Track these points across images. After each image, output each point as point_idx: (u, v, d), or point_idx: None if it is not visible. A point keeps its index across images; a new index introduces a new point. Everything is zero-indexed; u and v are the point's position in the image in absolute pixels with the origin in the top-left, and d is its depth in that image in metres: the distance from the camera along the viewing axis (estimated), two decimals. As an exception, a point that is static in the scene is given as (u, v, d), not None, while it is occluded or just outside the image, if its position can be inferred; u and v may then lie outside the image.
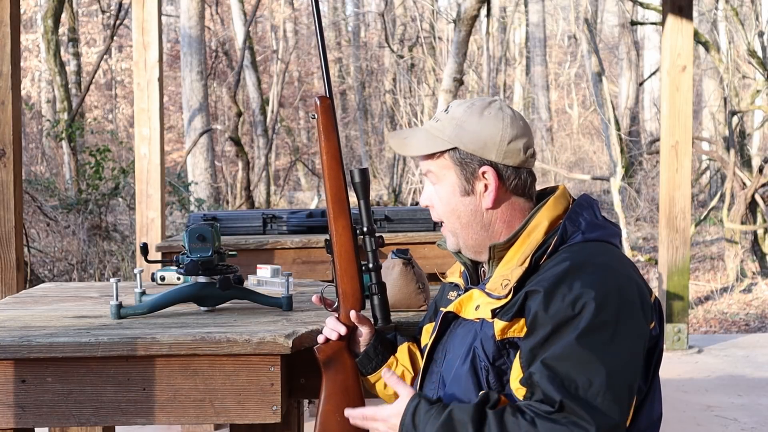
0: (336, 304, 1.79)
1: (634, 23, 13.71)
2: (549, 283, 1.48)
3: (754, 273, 8.86)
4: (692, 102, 5.79)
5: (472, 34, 10.85)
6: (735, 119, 9.57)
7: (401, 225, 4.03)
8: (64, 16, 11.15)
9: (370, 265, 1.76)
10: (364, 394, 1.79)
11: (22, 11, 7.53)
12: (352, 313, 1.75)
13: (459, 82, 9.16)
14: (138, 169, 5.19)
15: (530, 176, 1.64)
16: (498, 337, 1.52)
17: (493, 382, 1.53)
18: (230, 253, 2.18)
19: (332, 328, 1.76)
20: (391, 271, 2.08)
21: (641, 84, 14.97)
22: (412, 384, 1.76)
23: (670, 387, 4.60)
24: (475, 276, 1.70)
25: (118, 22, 10.83)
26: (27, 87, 15.43)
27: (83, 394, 1.80)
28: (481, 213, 1.63)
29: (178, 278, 2.49)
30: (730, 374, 5.04)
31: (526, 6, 17.44)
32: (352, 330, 1.77)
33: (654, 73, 12.78)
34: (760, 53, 10.34)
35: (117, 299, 2.02)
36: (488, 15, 13.08)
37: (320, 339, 1.77)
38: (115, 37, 11.85)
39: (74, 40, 11.87)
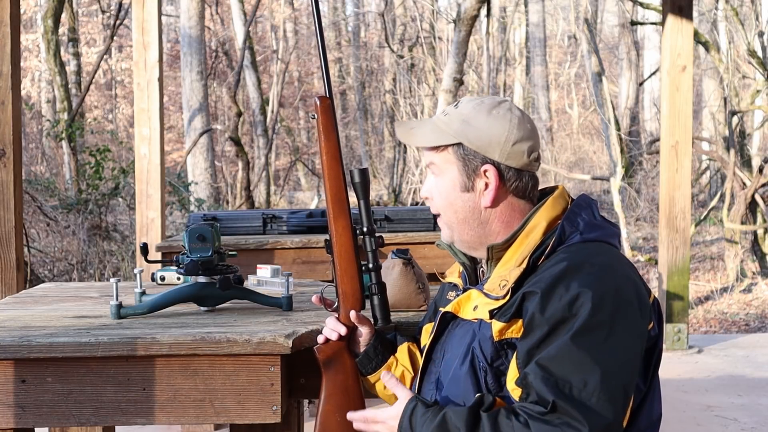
0: (336, 304, 1.79)
1: (634, 23, 13.71)
2: (546, 284, 1.48)
3: (754, 273, 8.86)
4: (692, 102, 5.79)
5: (472, 34, 10.85)
6: (735, 119, 9.57)
7: (401, 225, 4.03)
8: (64, 16, 11.15)
9: (370, 265, 1.76)
10: (364, 394, 1.79)
11: (22, 11, 7.54)
12: (352, 313, 1.75)
13: (459, 82, 9.16)
14: (138, 169, 5.19)
15: (532, 180, 1.63)
16: (496, 338, 1.52)
17: (491, 383, 1.54)
18: (230, 253, 2.18)
19: (332, 329, 1.76)
20: (391, 271, 2.08)
21: (641, 84, 14.97)
22: (412, 384, 1.76)
23: (670, 387, 4.60)
24: (473, 276, 1.70)
25: (118, 22, 10.83)
26: (27, 87, 15.43)
27: (83, 394, 1.80)
28: (479, 210, 1.63)
29: (178, 278, 2.49)
30: (730, 374, 5.04)
31: (526, 6, 17.44)
32: (352, 330, 1.77)
33: (654, 73, 12.78)
34: (760, 53, 10.34)
35: (117, 299, 2.02)
36: (488, 15, 13.08)
37: (320, 339, 1.77)
38: (115, 37, 11.85)
39: (74, 40, 11.87)
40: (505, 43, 16.94)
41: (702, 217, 10.38)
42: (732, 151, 9.00)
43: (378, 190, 14.97)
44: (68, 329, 1.89)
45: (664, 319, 5.46)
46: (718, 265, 9.67)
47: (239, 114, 12.15)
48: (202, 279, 2.08)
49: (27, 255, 7.58)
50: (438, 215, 1.69)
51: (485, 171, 1.61)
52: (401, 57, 14.84)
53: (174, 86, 17.24)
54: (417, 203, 11.83)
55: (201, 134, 11.17)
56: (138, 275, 2.16)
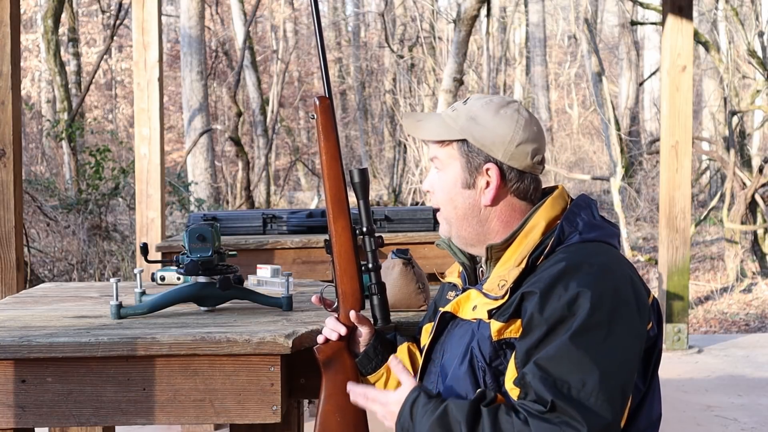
0: (336, 304, 1.79)
1: (634, 23, 13.71)
2: (545, 284, 1.48)
3: (754, 273, 8.86)
4: (692, 102, 5.79)
5: (472, 34, 10.85)
6: (735, 119, 9.57)
7: (401, 225, 4.03)
8: (64, 16, 11.15)
9: (370, 265, 1.76)
10: (364, 394, 1.79)
11: (22, 11, 7.54)
12: (352, 313, 1.75)
13: (459, 82, 9.16)
14: (138, 169, 5.19)
15: (534, 183, 1.64)
16: (494, 338, 1.53)
17: (490, 383, 1.54)
18: (230, 253, 2.18)
19: (332, 329, 1.76)
20: (391, 271, 2.08)
21: (641, 84, 14.97)
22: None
23: (670, 387, 4.60)
24: (473, 276, 1.71)
25: (118, 22, 10.83)
26: (27, 87, 15.43)
27: (83, 394, 1.80)
28: (479, 208, 1.63)
29: (178, 278, 2.49)
30: (730, 374, 5.04)
31: (526, 6, 17.44)
32: (351, 330, 1.77)
33: (654, 73, 12.78)
34: (760, 53, 10.34)
35: (117, 299, 2.02)
36: (488, 15, 13.08)
37: (320, 339, 1.77)
38: (115, 37, 11.85)
39: (74, 40, 11.87)
40: (505, 43, 16.94)
41: (702, 217, 10.38)
42: (732, 151, 9.00)
43: (378, 190, 14.97)
44: (68, 329, 1.89)
45: (664, 319, 5.46)
46: (718, 265, 9.67)
47: (239, 114, 12.15)
48: (202, 279, 2.08)
49: (27, 255, 7.59)
50: (438, 209, 1.69)
51: (487, 169, 1.61)
52: (401, 57, 14.84)
53: (174, 86, 17.25)
54: (417, 203, 11.83)
55: (201, 134, 11.17)
56: (138, 275, 2.16)
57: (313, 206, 12.38)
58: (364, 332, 1.78)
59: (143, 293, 2.14)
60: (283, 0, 17.53)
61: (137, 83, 5.18)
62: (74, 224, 8.86)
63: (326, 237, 1.78)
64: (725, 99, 10.53)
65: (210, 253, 2.07)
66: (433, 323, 1.71)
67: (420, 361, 1.74)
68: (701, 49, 10.70)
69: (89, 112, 16.72)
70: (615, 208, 10.33)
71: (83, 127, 10.84)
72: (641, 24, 13.52)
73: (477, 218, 1.64)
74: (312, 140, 18.59)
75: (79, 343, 1.78)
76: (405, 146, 13.72)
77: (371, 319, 1.77)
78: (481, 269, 1.70)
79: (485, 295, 1.57)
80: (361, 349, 1.78)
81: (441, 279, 1.83)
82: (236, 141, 12.03)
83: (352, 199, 1.77)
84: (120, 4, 10.56)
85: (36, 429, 1.99)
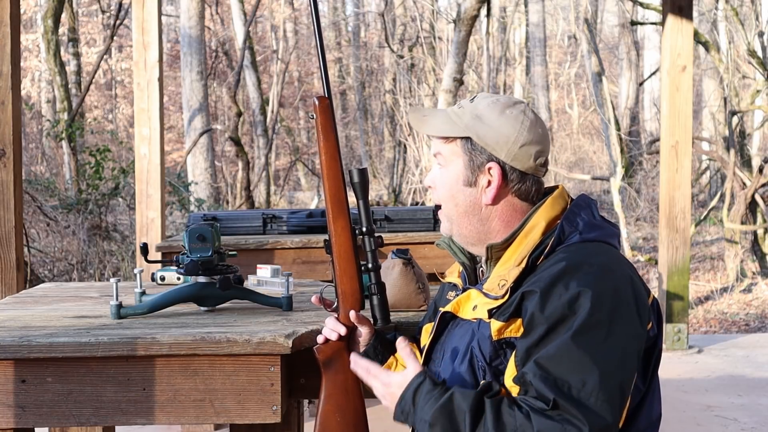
0: (335, 304, 1.79)
1: (634, 23, 13.71)
2: (545, 284, 1.48)
3: (754, 273, 8.86)
4: (692, 102, 5.79)
5: (472, 34, 10.85)
6: (735, 119, 9.57)
7: (401, 225, 4.03)
8: (64, 16, 11.15)
9: (370, 265, 1.76)
10: (364, 394, 1.79)
11: (22, 11, 7.54)
12: (352, 314, 1.75)
13: (459, 82, 9.16)
14: (138, 169, 5.19)
15: (536, 185, 1.64)
16: (495, 338, 1.53)
17: (490, 382, 1.54)
18: (230, 253, 2.18)
19: (332, 329, 1.76)
20: (391, 271, 2.08)
21: (641, 84, 14.97)
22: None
23: (670, 387, 4.60)
24: (473, 276, 1.71)
25: (118, 22, 10.83)
26: (27, 87, 15.43)
27: (83, 394, 1.80)
28: (480, 207, 1.64)
29: (178, 278, 2.49)
30: (730, 374, 5.04)
31: (526, 6, 17.43)
32: (351, 330, 1.77)
33: (654, 73, 12.78)
34: (760, 53, 10.34)
35: (117, 299, 2.02)
36: (488, 15, 13.08)
37: (320, 339, 1.77)
38: (115, 37, 11.85)
39: (74, 40, 11.87)
40: (505, 43, 16.94)
41: (702, 217, 10.39)
42: (732, 151, 9.00)
43: (378, 190, 14.97)
44: (68, 329, 1.89)
45: (664, 319, 5.46)
46: (718, 265, 9.67)
47: (239, 114, 12.15)
48: (202, 279, 2.08)
49: (27, 255, 7.59)
50: (439, 206, 1.70)
51: (489, 168, 1.61)
52: (401, 57, 14.84)
53: (174, 86, 17.24)
54: (417, 203, 11.83)
55: (201, 134, 11.17)
56: (138, 275, 2.16)
57: (313, 206, 12.38)
58: (364, 332, 1.78)
59: (143, 293, 2.14)
60: (283, 0, 17.53)
61: (137, 83, 5.18)
62: (74, 224, 8.86)
63: (326, 237, 1.78)
64: (725, 99, 10.53)
65: (210, 253, 2.07)
66: (433, 323, 1.71)
67: (420, 361, 1.74)
68: (701, 49, 10.70)
69: (89, 112, 16.72)
70: (615, 208, 10.33)
71: (83, 127, 10.84)
72: (641, 24, 13.52)
73: (478, 216, 1.64)
74: (312, 140, 18.59)
75: (79, 343, 1.78)
76: (405, 146, 13.72)
77: (371, 319, 1.77)
78: (481, 269, 1.70)
79: (485, 294, 1.57)
80: (361, 349, 1.78)
81: (441, 279, 1.83)
82: (236, 141, 12.03)
83: (352, 199, 1.77)
84: (120, 4, 10.56)
85: (36, 429, 1.99)
